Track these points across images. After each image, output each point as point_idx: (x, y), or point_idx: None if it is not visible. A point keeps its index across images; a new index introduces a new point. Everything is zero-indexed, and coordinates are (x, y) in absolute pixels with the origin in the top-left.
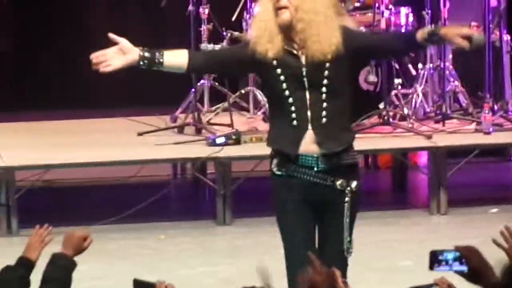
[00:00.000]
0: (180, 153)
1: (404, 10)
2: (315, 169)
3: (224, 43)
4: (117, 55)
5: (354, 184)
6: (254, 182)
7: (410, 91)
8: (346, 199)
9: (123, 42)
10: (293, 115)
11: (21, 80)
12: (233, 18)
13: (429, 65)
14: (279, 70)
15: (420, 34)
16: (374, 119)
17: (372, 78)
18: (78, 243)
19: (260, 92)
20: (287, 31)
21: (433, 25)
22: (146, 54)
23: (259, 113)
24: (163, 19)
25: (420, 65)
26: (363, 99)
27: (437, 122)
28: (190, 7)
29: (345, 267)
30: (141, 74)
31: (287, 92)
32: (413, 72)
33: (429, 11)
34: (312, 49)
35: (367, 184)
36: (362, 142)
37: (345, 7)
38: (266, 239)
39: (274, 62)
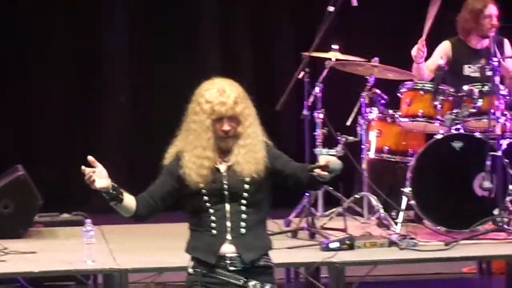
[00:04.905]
0: (294, 258)
1: None
2: (230, 268)
3: (339, 148)
4: (101, 175)
5: (267, 287)
6: (368, 287)
7: None
8: None
9: (102, 168)
10: (213, 225)
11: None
12: (348, 123)
13: None
14: (203, 189)
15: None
16: (489, 226)
17: (487, 184)
18: None
19: (374, 197)
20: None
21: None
22: (116, 187)
23: (373, 218)
24: (278, 122)
25: None
26: (478, 206)
27: None
28: (305, 112)
29: None
30: None
31: (207, 205)
32: None
33: None
34: (240, 167)
35: None
36: (476, 248)
37: (460, 113)
38: None
39: (201, 185)
